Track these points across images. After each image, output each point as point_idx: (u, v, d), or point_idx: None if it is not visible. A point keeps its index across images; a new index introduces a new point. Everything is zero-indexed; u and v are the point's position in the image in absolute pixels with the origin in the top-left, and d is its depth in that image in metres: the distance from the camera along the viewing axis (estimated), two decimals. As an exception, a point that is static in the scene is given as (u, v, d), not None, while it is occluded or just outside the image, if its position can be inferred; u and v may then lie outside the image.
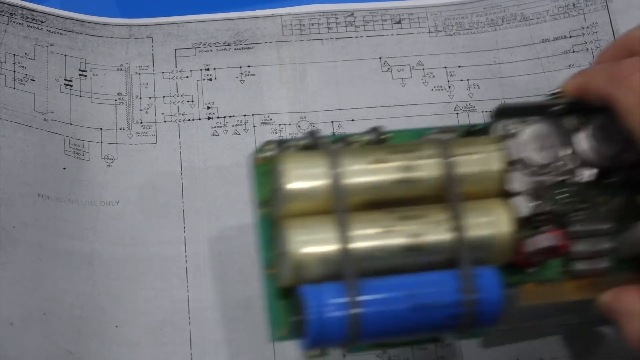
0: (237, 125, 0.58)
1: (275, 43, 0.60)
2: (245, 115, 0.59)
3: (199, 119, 0.59)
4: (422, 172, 0.45)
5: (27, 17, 0.59)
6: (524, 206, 0.46)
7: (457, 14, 0.61)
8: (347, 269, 0.43)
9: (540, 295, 0.47)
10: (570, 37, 0.61)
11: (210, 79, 0.60)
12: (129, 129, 0.58)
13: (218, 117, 0.59)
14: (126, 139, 0.58)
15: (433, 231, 0.44)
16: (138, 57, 0.60)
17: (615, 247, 0.47)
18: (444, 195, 0.45)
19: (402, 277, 0.44)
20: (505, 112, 0.48)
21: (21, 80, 0.57)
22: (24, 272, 0.52)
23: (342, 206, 0.44)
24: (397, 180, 0.45)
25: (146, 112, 0.59)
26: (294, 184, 0.44)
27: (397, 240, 0.44)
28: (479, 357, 0.52)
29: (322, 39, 0.61)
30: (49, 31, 0.59)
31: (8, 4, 0.59)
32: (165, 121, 0.58)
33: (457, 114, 0.59)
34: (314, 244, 0.44)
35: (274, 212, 0.45)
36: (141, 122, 0.58)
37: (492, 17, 0.61)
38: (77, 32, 0.60)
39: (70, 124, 0.57)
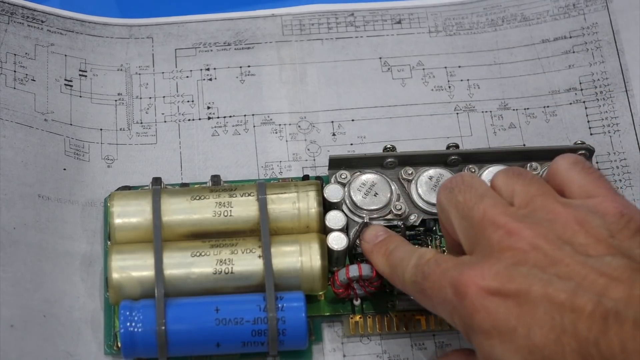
0: (237, 125, 0.58)
1: (275, 43, 0.60)
2: (245, 115, 0.59)
3: (199, 119, 0.59)
4: (238, 207, 0.52)
5: (28, 17, 0.59)
6: (338, 242, 0.51)
7: (457, 14, 0.61)
8: (157, 290, 0.50)
9: (367, 326, 0.53)
10: (570, 37, 0.60)
11: (210, 79, 0.59)
12: (129, 129, 0.58)
13: (218, 117, 0.59)
14: (126, 139, 0.58)
15: (243, 258, 0.51)
16: (138, 57, 0.60)
17: None
18: (259, 229, 0.52)
19: (210, 297, 0.50)
20: (338, 163, 0.54)
21: (22, 80, 0.57)
22: (24, 273, 0.52)
23: (158, 236, 0.51)
24: (214, 214, 0.52)
25: (146, 112, 0.58)
26: (119, 219, 0.52)
27: (207, 265, 0.51)
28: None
29: (322, 39, 0.61)
30: (50, 31, 0.59)
31: (9, 4, 0.59)
32: (165, 121, 0.58)
33: (457, 114, 0.59)
34: (131, 269, 0.51)
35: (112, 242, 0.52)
36: (141, 122, 0.58)
37: (492, 17, 0.61)
38: (78, 32, 0.60)
39: (71, 124, 0.57)
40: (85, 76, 0.59)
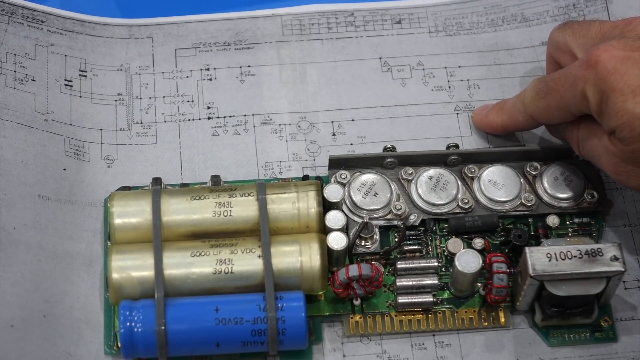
0: (237, 125, 0.58)
1: (275, 43, 0.60)
2: (245, 115, 0.59)
3: (199, 119, 0.59)
4: (238, 207, 0.52)
5: (28, 17, 0.59)
6: (338, 242, 0.51)
7: (457, 14, 0.61)
8: (157, 290, 0.50)
9: (367, 326, 0.53)
10: (571, 37, 0.60)
11: (210, 79, 0.60)
12: (129, 129, 0.58)
13: (218, 117, 0.59)
14: (126, 139, 0.58)
15: (243, 258, 0.51)
16: (138, 57, 0.60)
17: (442, 284, 0.53)
18: (259, 229, 0.52)
19: (210, 297, 0.50)
20: (338, 163, 0.54)
21: (22, 81, 0.57)
22: (24, 273, 0.52)
23: (158, 236, 0.51)
24: (214, 214, 0.52)
25: (146, 112, 0.59)
26: (119, 219, 0.52)
27: (207, 265, 0.51)
28: (479, 357, 0.53)
29: (322, 39, 0.61)
30: (50, 31, 0.59)
31: (9, 4, 0.59)
32: (165, 121, 0.58)
33: (457, 114, 0.59)
34: (131, 269, 0.51)
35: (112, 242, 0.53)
36: (141, 123, 0.58)
37: (493, 17, 0.61)
38: (78, 32, 0.60)
39: (71, 124, 0.57)
40: (85, 76, 0.59)
